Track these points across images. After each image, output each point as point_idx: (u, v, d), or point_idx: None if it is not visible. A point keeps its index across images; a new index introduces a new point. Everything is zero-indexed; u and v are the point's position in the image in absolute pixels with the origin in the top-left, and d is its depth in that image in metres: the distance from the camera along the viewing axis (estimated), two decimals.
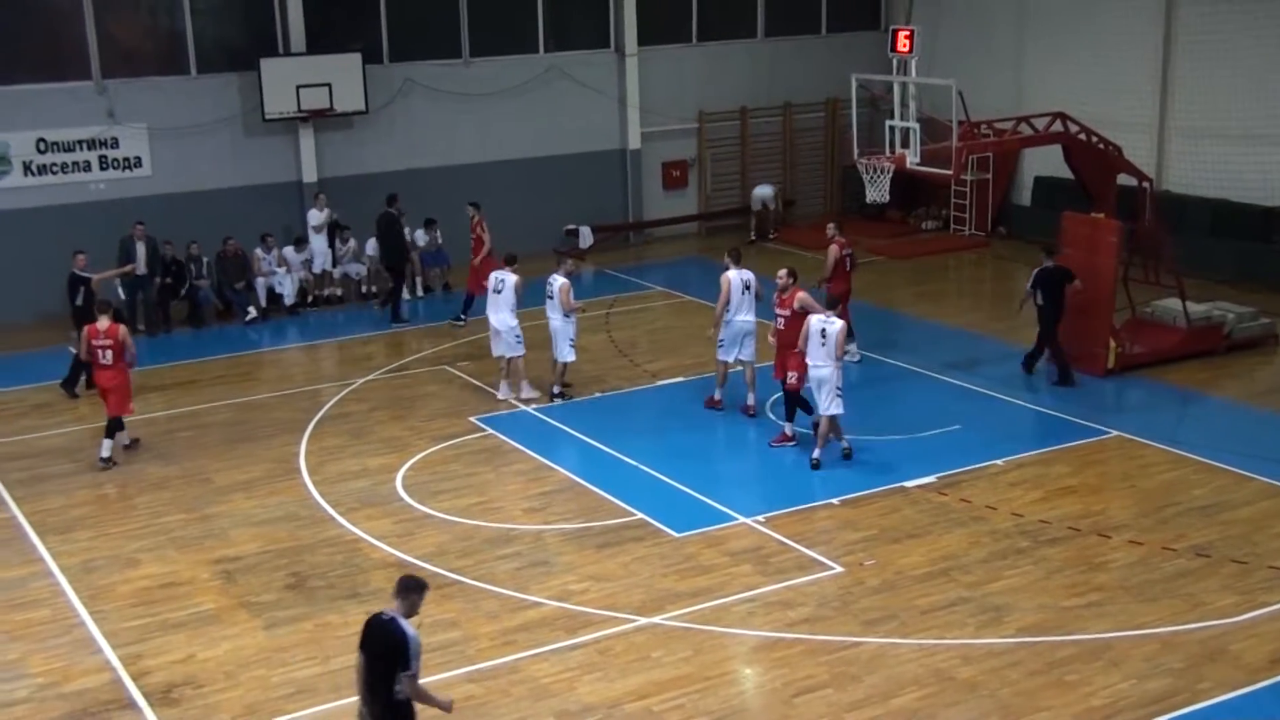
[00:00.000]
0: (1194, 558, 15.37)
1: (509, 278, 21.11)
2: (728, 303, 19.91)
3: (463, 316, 25.77)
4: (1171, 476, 17.79)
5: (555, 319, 21.00)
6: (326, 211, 27.92)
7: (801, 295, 18.82)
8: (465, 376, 22.56)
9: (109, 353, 19.13)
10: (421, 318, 26.73)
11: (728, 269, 20.24)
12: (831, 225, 22.95)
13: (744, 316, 20.08)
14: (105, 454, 19.23)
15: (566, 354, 21.09)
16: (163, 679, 13.33)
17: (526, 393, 21.25)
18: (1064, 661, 13.19)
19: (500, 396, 21.32)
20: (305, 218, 28.15)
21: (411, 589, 10.23)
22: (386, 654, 10.01)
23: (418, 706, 10.24)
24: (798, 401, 18.89)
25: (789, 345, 18.62)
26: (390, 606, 10.22)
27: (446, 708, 10.41)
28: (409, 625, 10.08)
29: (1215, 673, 12.94)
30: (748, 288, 20.09)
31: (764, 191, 32.76)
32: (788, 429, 19.02)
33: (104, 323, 19.19)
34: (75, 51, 27.04)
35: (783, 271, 19.13)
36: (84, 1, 26.77)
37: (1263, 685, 12.75)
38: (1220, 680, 12.81)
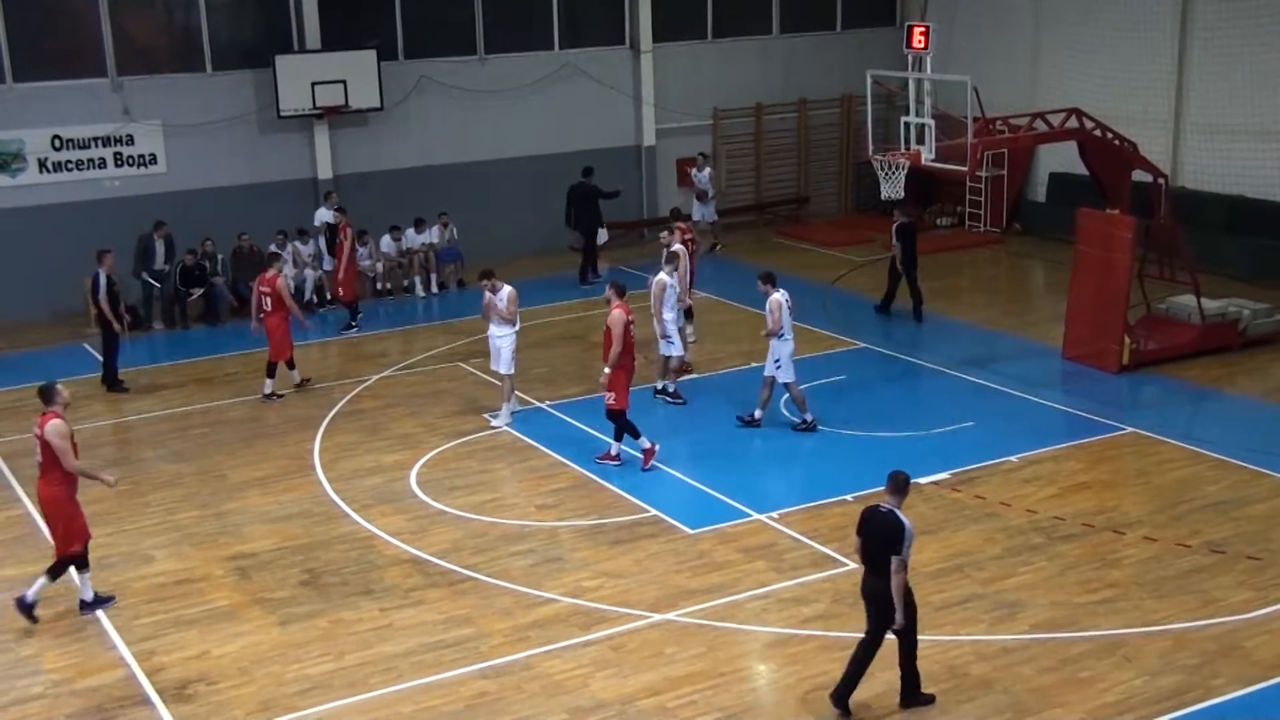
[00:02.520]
0: (1208, 554, 15.34)
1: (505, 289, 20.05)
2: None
3: (354, 324, 25.70)
4: (1186, 473, 17.75)
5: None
6: (336, 210, 27.95)
7: (614, 315, 18.12)
8: (478, 373, 22.56)
9: (268, 300, 21.47)
10: (435, 314, 26.76)
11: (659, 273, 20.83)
12: (675, 210, 26.45)
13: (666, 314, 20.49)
14: (266, 391, 21.73)
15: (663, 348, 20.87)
16: (177, 675, 13.37)
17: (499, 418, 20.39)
18: (1077, 658, 13.18)
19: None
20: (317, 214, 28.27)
21: (904, 486, 12.17)
22: (887, 539, 11.84)
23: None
24: (623, 421, 18.40)
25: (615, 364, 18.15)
26: (886, 500, 12.09)
27: (901, 621, 12.01)
28: (906, 517, 11.87)
29: (1229, 669, 12.92)
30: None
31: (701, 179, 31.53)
32: (614, 449, 18.59)
33: (270, 272, 21.68)
34: (91, 49, 27.13)
35: (607, 287, 18.86)
36: None
37: (1276, 681, 12.73)
38: (1234, 676, 12.79)
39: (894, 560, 11.77)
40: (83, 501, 17.60)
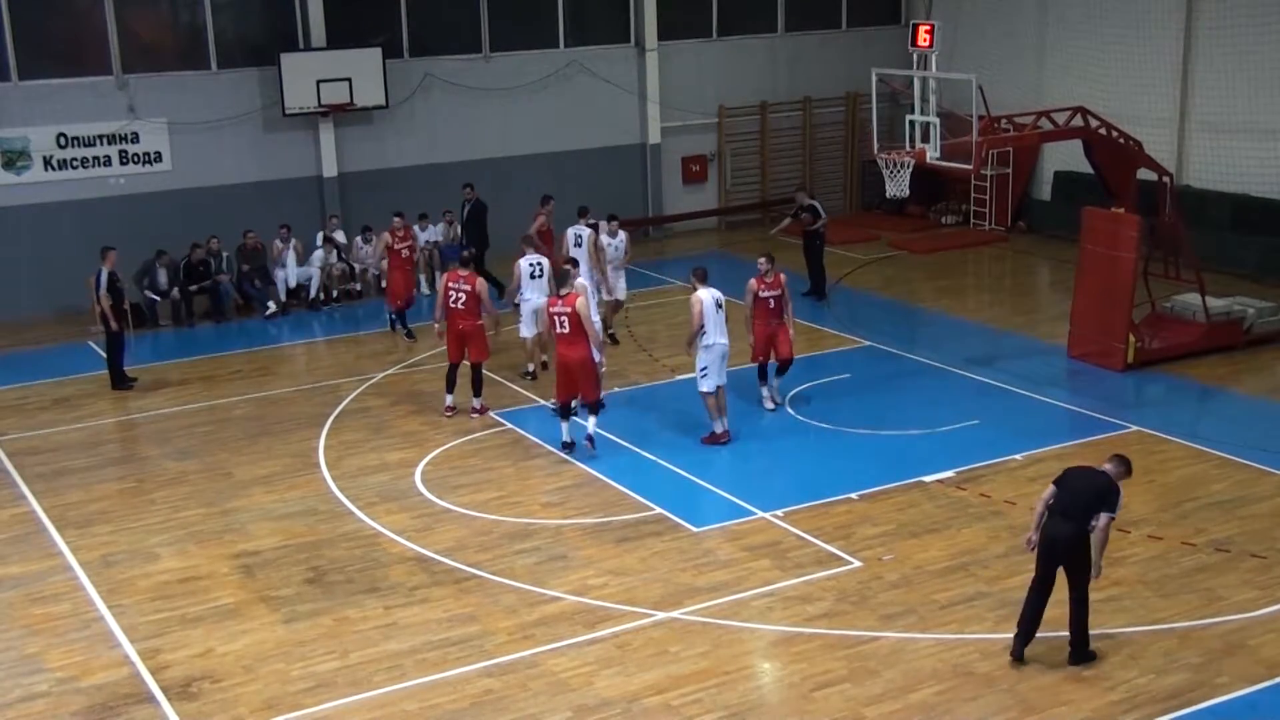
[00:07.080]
0: (1213, 552, 15.32)
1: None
2: (701, 326, 18.64)
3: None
4: (1191, 471, 17.73)
5: None
6: (334, 250, 27.84)
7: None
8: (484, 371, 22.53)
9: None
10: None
11: (695, 289, 18.93)
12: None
13: (721, 339, 18.79)
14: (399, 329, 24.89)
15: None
16: (181, 673, 13.37)
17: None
18: None
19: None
20: (324, 212, 28.30)
21: (1128, 469, 13.01)
22: (1100, 494, 12.59)
23: None
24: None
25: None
26: (1105, 466, 12.90)
27: (1098, 575, 12.85)
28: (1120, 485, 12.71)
29: (1233, 667, 12.90)
30: (719, 306, 18.84)
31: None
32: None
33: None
34: (96, 46, 27.15)
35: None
36: None
37: None
38: (1238, 675, 12.77)
39: (1105, 516, 12.51)
40: (87, 500, 17.79)
